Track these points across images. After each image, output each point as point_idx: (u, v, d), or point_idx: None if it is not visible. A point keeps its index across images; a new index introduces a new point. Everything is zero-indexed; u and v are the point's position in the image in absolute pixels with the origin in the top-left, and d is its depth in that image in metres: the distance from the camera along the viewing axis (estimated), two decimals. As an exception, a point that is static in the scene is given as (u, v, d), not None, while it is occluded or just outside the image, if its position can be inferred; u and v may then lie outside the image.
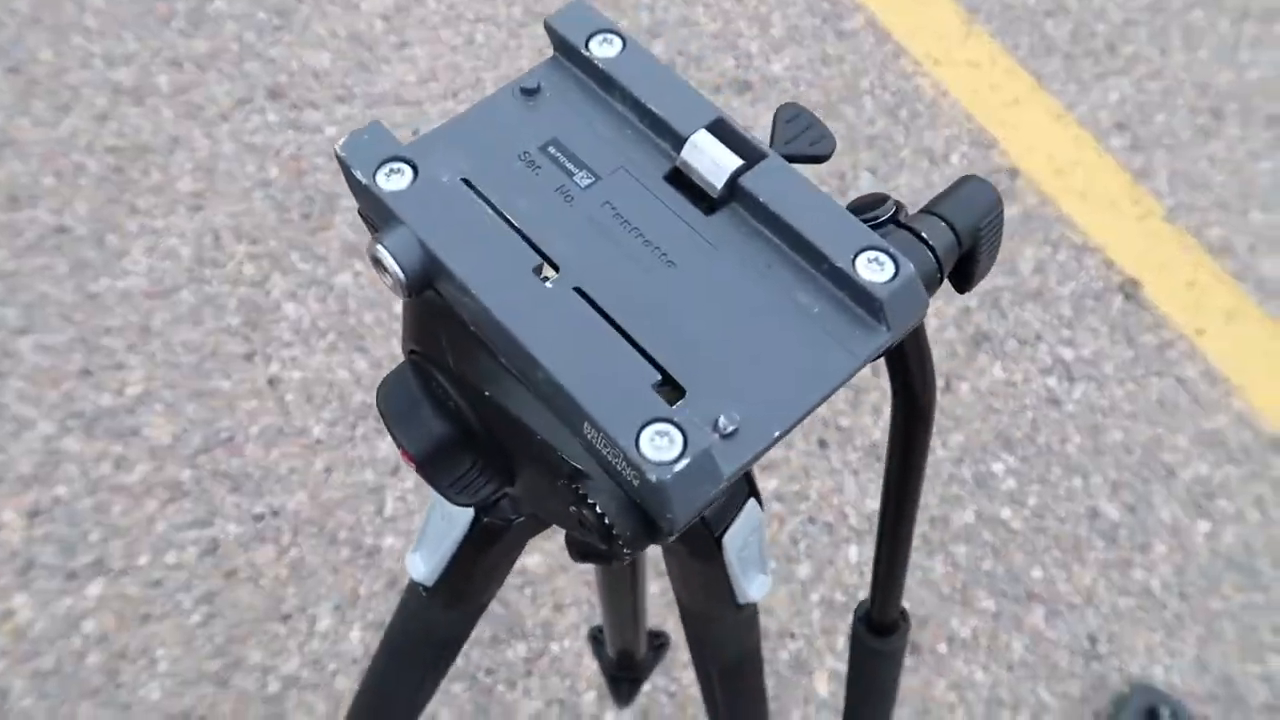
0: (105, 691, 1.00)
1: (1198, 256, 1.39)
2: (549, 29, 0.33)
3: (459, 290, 0.28)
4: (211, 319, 1.20)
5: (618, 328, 0.27)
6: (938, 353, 1.26)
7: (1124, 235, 1.40)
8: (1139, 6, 1.63)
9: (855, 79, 1.48)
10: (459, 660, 0.64)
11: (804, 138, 0.32)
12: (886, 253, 0.28)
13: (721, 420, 0.26)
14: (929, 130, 1.45)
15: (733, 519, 0.43)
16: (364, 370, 1.18)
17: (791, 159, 0.32)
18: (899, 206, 0.31)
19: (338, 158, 0.30)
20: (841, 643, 1.07)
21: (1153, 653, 1.11)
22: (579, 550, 0.33)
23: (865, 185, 1.38)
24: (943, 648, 1.08)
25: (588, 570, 1.04)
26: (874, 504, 1.15)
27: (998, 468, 1.20)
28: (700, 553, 0.43)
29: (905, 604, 0.47)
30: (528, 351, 0.27)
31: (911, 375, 0.35)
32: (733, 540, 0.43)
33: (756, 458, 0.26)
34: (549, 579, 1.07)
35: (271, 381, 1.17)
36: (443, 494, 0.33)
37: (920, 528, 1.15)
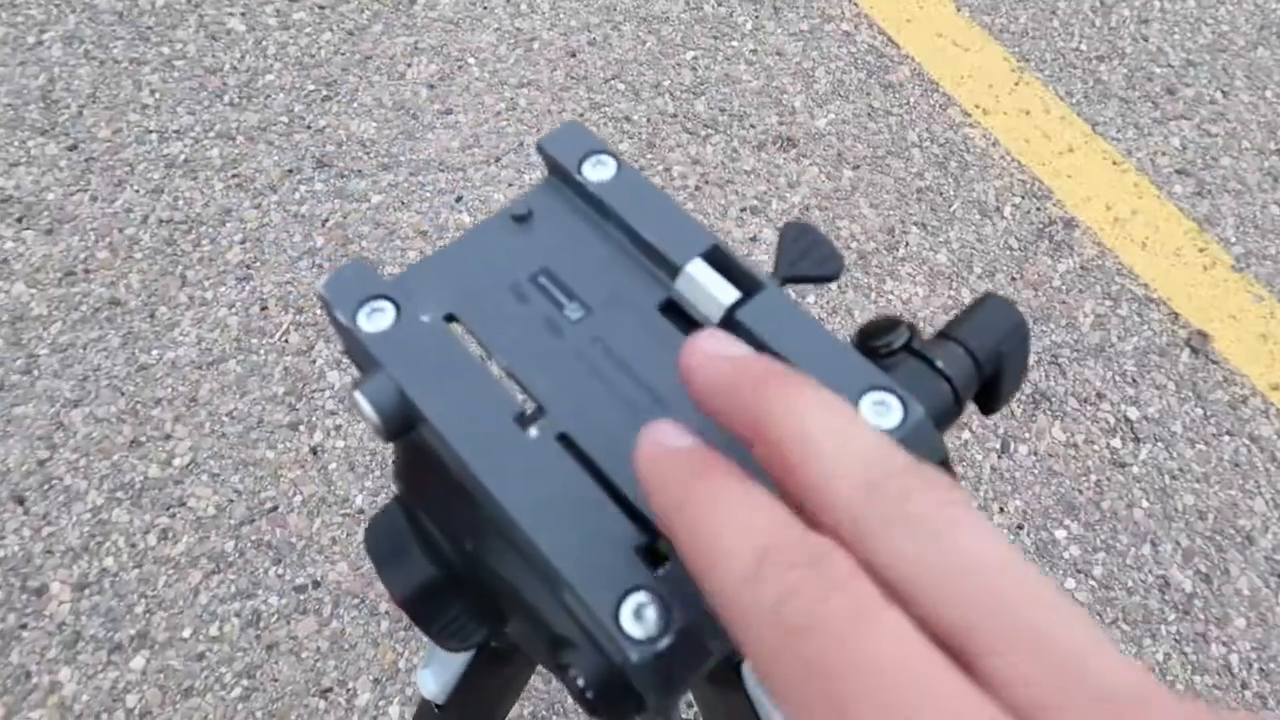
0: (147, 769, 0.99)
1: (1271, 307, 1.33)
2: (541, 151, 0.31)
3: (437, 439, 0.26)
4: (257, 388, 1.21)
5: (604, 481, 0.25)
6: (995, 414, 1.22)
7: (1189, 286, 1.34)
8: (1199, 47, 1.58)
9: (902, 131, 1.46)
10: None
11: (810, 258, 0.30)
12: (894, 393, 0.25)
13: None
14: (979, 182, 1.41)
15: None
16: (406, 438, 1.18)
17: (797, 280, 0.30)
18: (913, 332, 0.29)
19: (320, 298, 0.29)
20: None
21: (1234, 735, 1.04)
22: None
23: (914, 241, 1.34)
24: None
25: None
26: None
27: (1060, 535, 1.14)
28: (719, 680, 0.40)
29: None
30: (505, 510, 0.25)
31: None
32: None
33: None
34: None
35: (315, 450, 1.17)
36: (432, 638, 0.31)
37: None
